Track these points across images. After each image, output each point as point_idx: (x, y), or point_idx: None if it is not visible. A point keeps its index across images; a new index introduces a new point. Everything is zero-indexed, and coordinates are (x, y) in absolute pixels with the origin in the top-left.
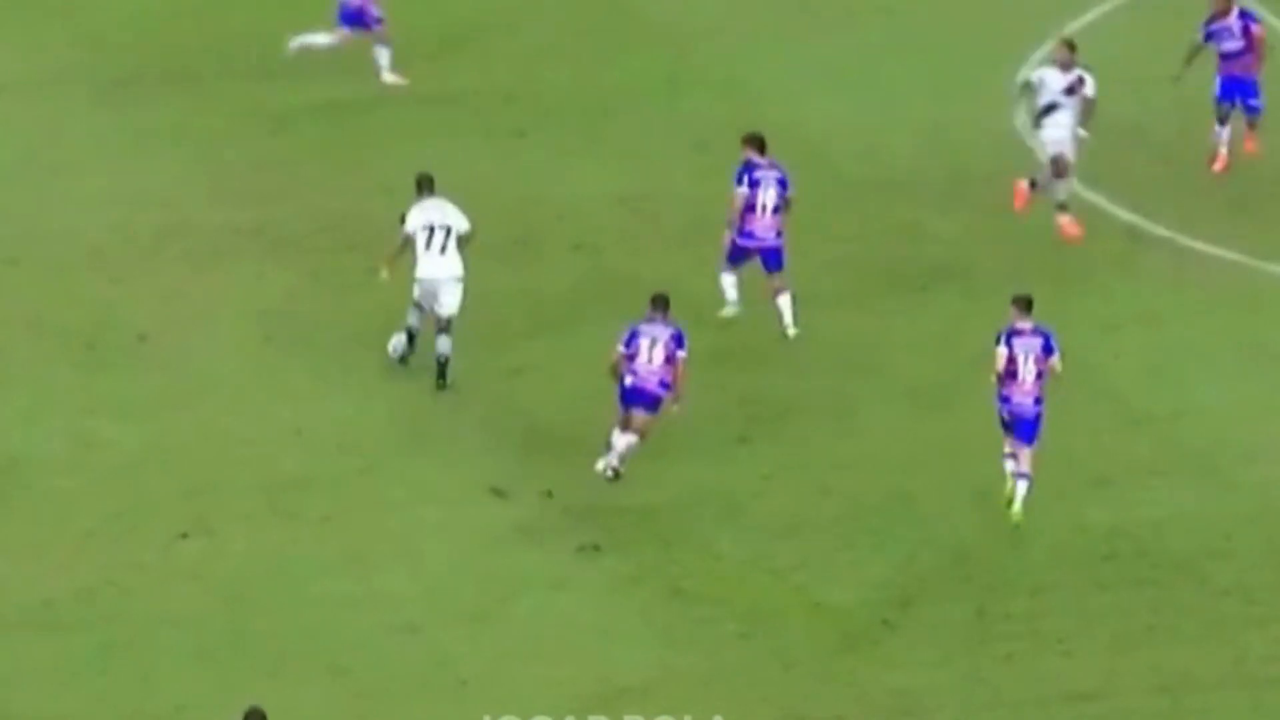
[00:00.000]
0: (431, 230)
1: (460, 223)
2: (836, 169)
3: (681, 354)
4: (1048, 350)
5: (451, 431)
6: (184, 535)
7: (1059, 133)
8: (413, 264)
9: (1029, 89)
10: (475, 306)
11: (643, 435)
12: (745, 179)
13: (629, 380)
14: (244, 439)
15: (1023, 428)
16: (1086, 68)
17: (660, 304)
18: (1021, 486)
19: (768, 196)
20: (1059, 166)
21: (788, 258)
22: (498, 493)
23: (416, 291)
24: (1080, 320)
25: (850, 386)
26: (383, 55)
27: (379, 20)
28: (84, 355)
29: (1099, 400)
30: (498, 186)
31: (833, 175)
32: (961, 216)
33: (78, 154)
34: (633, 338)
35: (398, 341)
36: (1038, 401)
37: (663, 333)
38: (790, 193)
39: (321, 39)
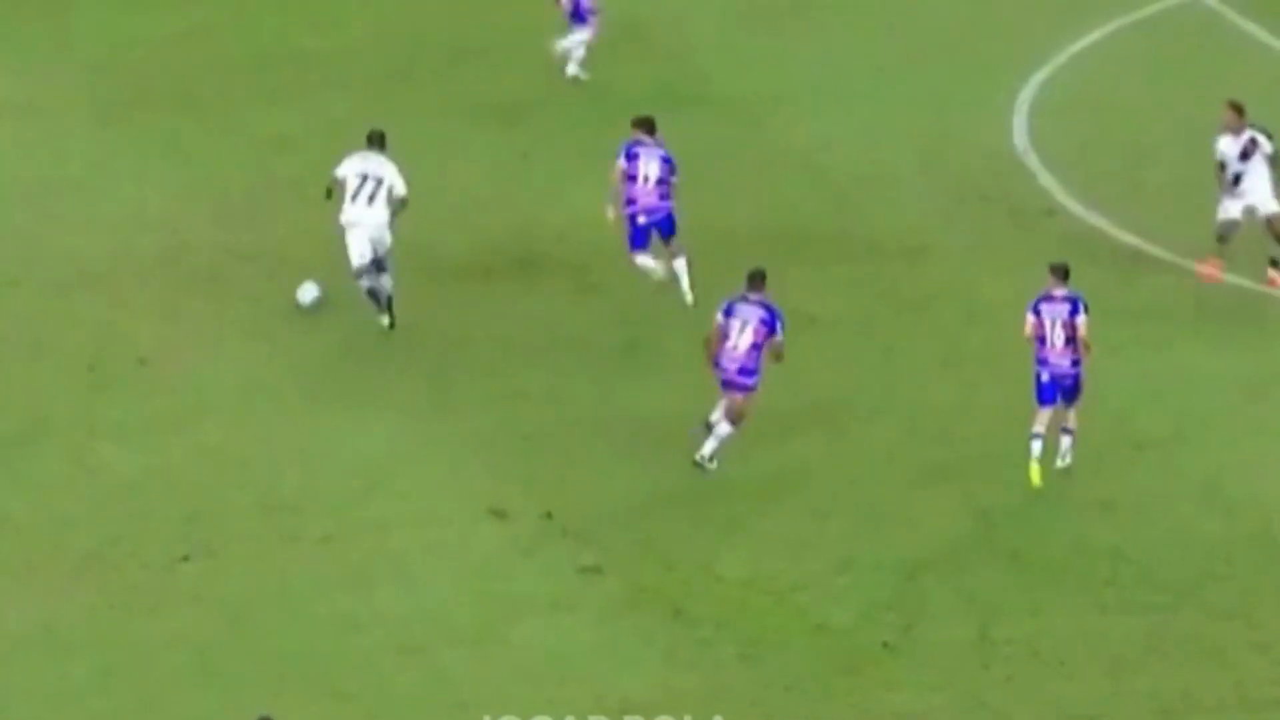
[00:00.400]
0: (364, 178)
1: (397, 183)
2: (838, 188)
3: (776, 339)
4: (1074, 314)
5: (452, 452)
6: (185, 557)
7: (1243, 201)
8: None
9: (1222, 167)
10: (476, 327)
11: (734, 421)
12: (625, 153)
13: (717, 371)
14: (245, 460)
15: (1061, 388)
16: (1261, 128)
17: (756, 280)
18: (1066, 441)
19: (650, 169)
20: (1274, 227)
21: (785, 282)
22: (498, 514)
23: (354, 254)
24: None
25: (851, 406)
26: (576, 41)
27: (593, 13)
28: (84, 377)
29: (1100, 423)
30: (500, 207)
31: (834, 194)
32: (963, 237)
33: (78, 176)
34: (729, 314)
35: (379, 304)
36: (1075, 364)
37: (753, 314)
38: (675, 177)
39: (575, 39)
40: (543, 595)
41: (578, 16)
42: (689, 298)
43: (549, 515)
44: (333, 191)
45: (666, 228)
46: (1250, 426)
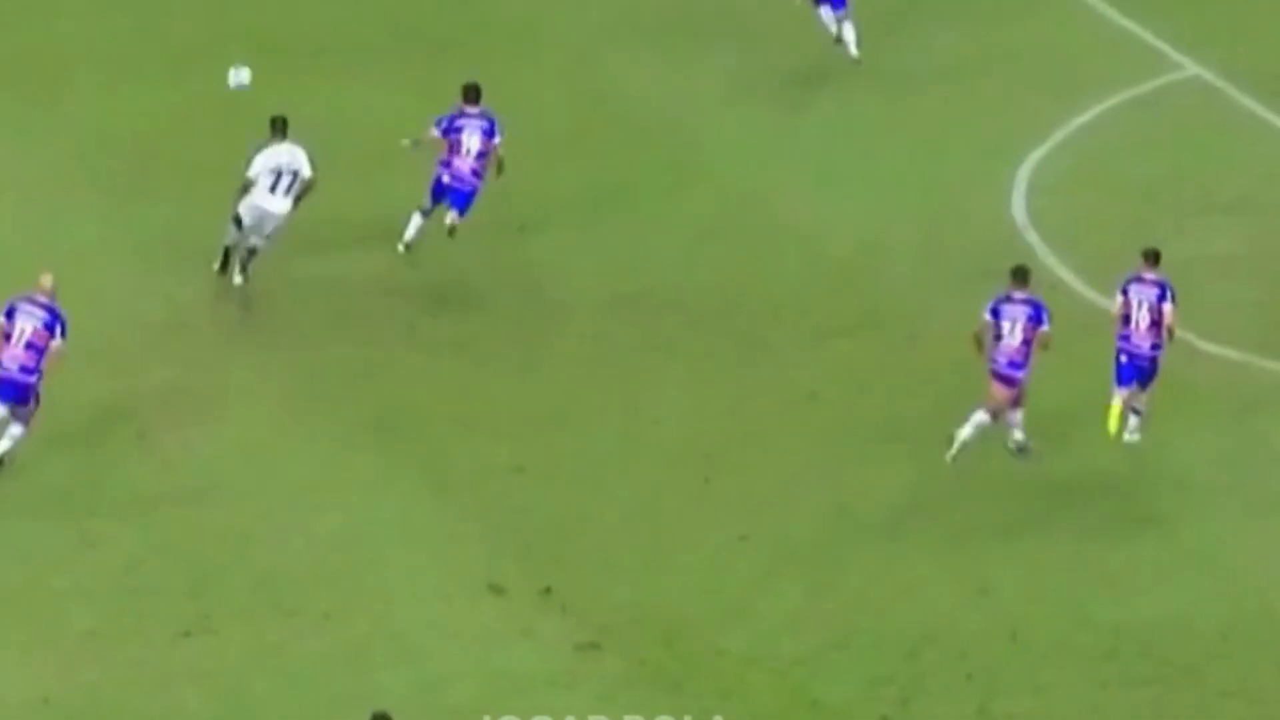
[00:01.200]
0: (279, 174)
1: (304, 169)
2: (836, 263)
3: (1043, 329)
4: (1161, 299)
5: (451, 528)
6: (186, 633)
7: None
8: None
9: None
10: (477, 403)
11: (1017, 404)
12: (444, 124)
13: (990, 365)
14: (245, 535)
15: (1138, 370)
16: None
17: (1021, 278)
18: (1134, 420)
19: (471, 141)
20: None
21: (784, 359)
22: (496, 590)
23: (246, 217)
24: (1083, 418)
25: (849, 483)
26: (849, 32)
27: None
28: (84, 452)
29: (1102, 498)
30: (498, 282)
31: (833, 269)
32: (963, 313)
33: (77, 251)
34: (996, 314)
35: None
36: (1154, 347)
37: (1021, 312)
38: (498, 140)
39: (847, 36)
40: (541, 672)
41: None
42: (400, 246)
43: (547, 590)
44: (246, 188)
45: (464, 203)
46: (1252, 502)
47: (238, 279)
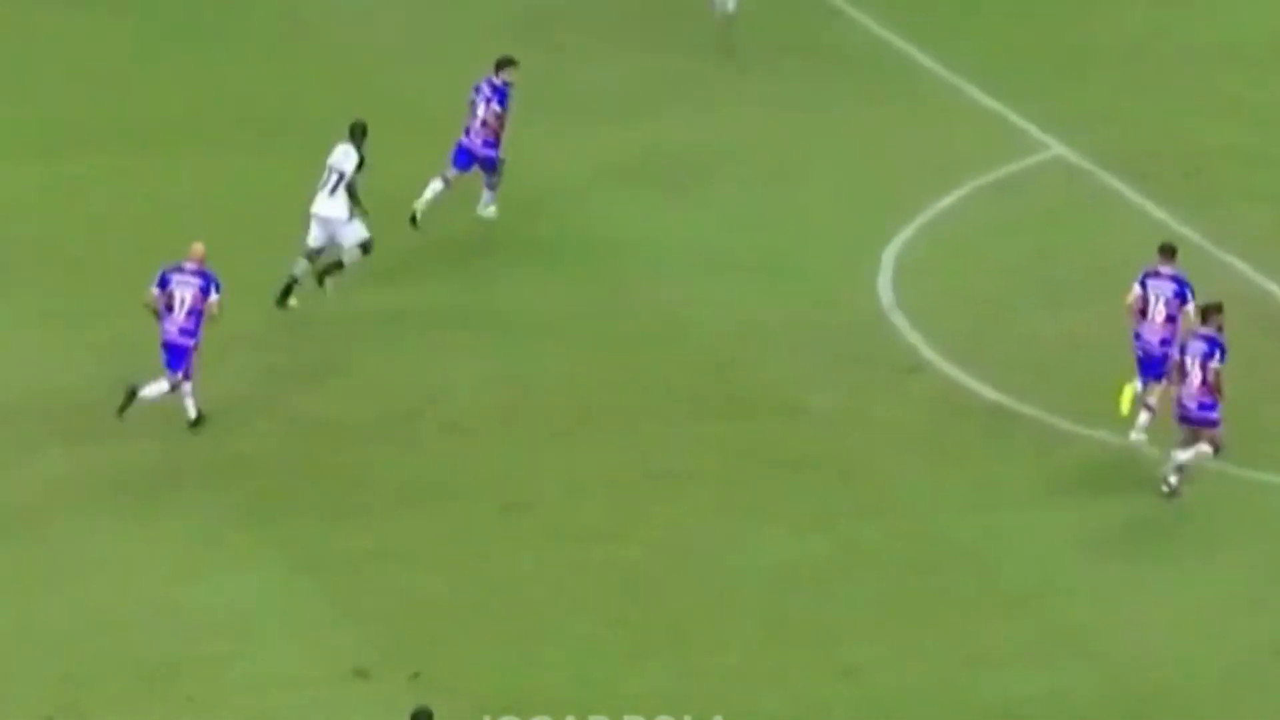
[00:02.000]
0: (329, 170)
1: (349, 169)
2: (708, 345)
3: (1213, 365)
4: (1180, 296)
5: (317, 611)
6: (50, 719)
7: None
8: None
9: None
10: (347, 484)
11: (1214, 445)
12: (476, 88)
13: (1176, 409)
14: (115, 620)
15: (1150, 365)
16: None
17: (1211, 312)
18: (1144, 417)
19: (482, 111)
20: None
21: (651, 439)
22: (362, 674)
23: (314, 240)
24: (951, 499)
25: (722, 564)
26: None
27: None
28: None
29: (973, 580)
30: (372, 365)
31: (703, 352)
32: (835, 396)
33: None
34: (1183, 350)
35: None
36: (1164, 343)
37: (1200, 348)
38: (503, 108)
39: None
40: None
41: None
42: (418, 209)
43: (416, 675)
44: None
45: (463, 160)
46: (1120, 581)
47: (293, 302)
